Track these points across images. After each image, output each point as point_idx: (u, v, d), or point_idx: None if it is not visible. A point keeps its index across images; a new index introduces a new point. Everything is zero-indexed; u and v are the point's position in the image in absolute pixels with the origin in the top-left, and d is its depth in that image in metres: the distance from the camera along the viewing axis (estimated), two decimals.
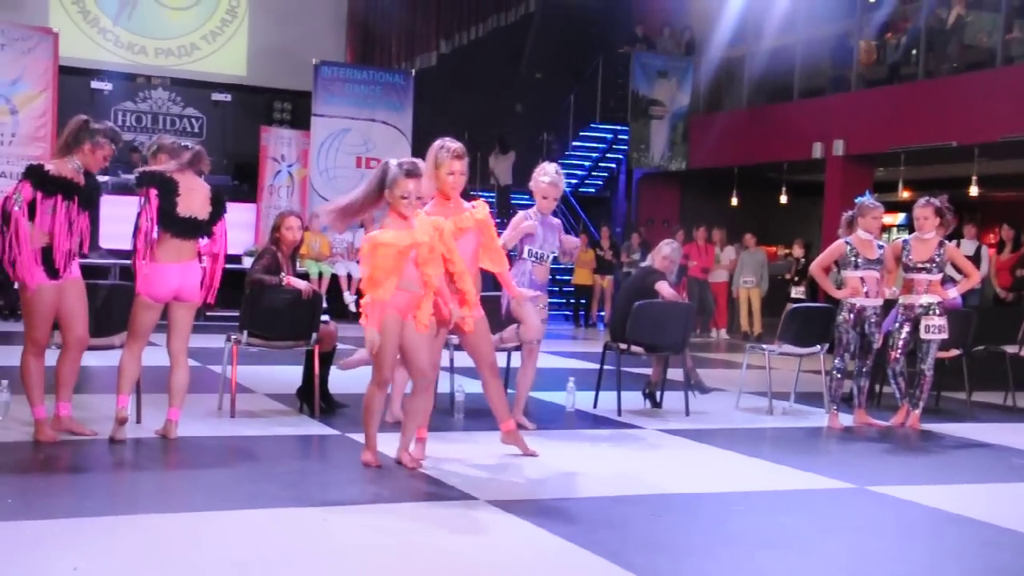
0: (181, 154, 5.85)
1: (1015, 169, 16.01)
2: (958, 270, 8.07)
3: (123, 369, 5.77)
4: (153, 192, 5.70)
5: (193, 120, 17.20)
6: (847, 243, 7.37)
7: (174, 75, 17.21)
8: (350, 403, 7.04)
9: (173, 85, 17.23)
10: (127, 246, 5.91)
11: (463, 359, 7.38)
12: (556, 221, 7.09)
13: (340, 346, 7.36)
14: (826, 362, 7.92)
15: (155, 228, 5.71)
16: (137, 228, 5.69)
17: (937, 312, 7.35)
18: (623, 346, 7.59)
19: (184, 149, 5.90)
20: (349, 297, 14.44)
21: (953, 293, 7.57)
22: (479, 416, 6.80)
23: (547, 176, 6.83)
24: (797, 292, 13.87)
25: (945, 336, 7.42)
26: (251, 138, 16.49)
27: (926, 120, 13.64)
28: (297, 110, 17.48)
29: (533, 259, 6.87)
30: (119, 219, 5.89)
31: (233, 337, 6.87)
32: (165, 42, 17.20)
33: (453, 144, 5.56)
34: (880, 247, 7.43)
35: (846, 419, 7.49)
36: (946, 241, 7.52)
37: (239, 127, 17.09)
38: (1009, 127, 12.63)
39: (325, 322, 7.15)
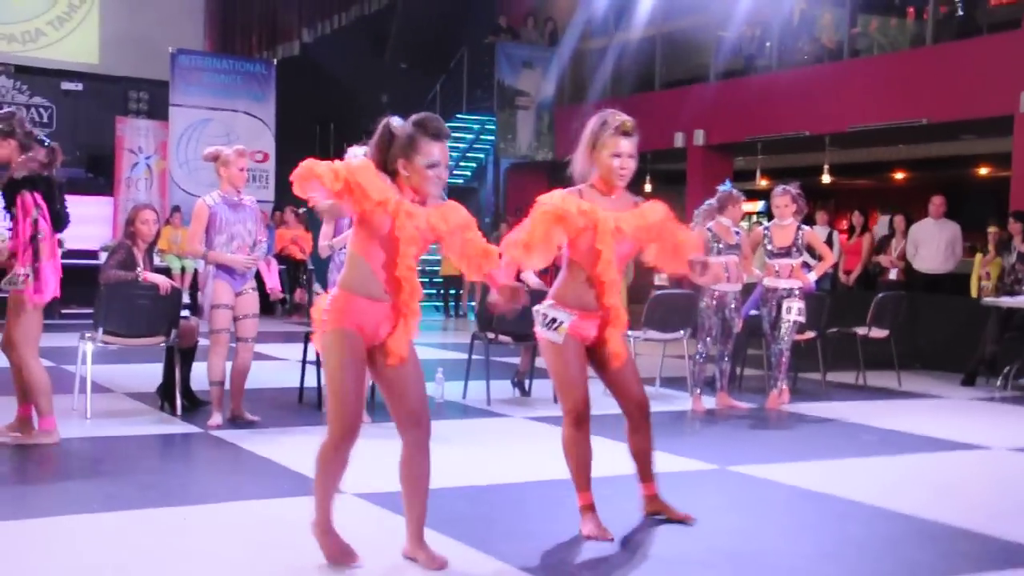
0: (35, 148, 5.53)
1: (864, 158, 16.72)
2: (813, 255, 8.39)
3: (42, 385, 5.51)
4: (39, 196, 5.42)
5: (41, 110, 16.49)
6: (709, 230, 7.56)
7: (18, 62, 16.46)
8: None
9: (17, 73, 16.47)
10: None
11: None
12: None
13: (202, 342, 7.17)
14: (689, 347, 8.12)
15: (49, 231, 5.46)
16: (31, 239, 5.39)
17: (797, 295, 7.63)
18: (491, 335, 7.62)
19: (37, 143, 5.57)
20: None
21: (812, 276, 7.88)
22: None
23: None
24: (660, 279, 14.15)
25: (804, 319, 7.72)
26: (106, 129, 15.92)
27: (780, 111, 14.10)
28: (154, 100, 16.96)
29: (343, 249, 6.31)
30: None
31: (87, 335, 6.61)
32: (7, 27, 16.43)
33: (619, 116, 4.22)
34: (736, 233, 7.65)
35: (709, 402, 7.70)
36: (804, 226, 7.81)
37: (92, 117, 16.47)
38: (857, 117, 13.16)
39: (185, 318, 6.96)
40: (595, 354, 4.35)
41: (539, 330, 4.28)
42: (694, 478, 5.49)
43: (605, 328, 4.28)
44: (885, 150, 16.36)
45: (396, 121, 3.68)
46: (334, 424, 3.63)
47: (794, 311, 7.61)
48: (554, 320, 4.22)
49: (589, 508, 4.31)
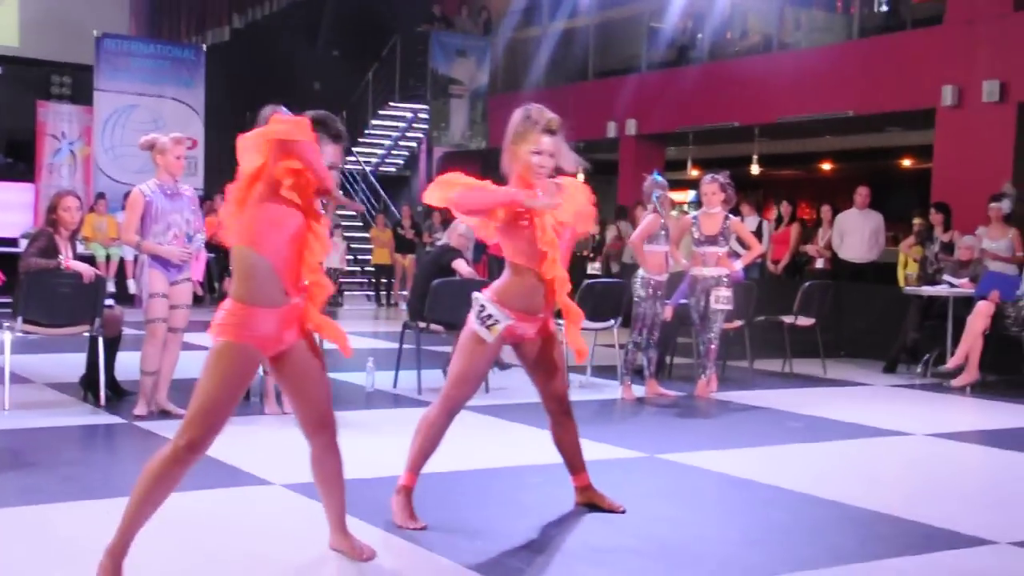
0: None
1: (791, 149, 16.98)
2: (742, 244, 8.50)
3: None
4: None
5: None
6: (661, 219, 7.57)
7: None
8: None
9: None
10: None
11: None
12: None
13: (126, 331, 7.03)
14: (620, 336, 8.17)
15: None
16: None
17: (725, 284, 7.71)
18: (422, 324, 7.59)
19: None
20: (134, 284, 13.85)
21: (738, 265, 7.96)
22: (277, 399, 6.64)
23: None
24: (593, 268, 14.24)
25: (731, 307, 7.80)
26: (26, 114, 15.52)
27: (711, 102, 14.25)
28: (78, 84, 16.57)
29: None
30: None
31: (6, 324, 6.45)
32: None
33: (544, 113, 4.16)
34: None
35: (639, 390, 7.75)
36: (731, 215, 7.89)
37: (12, 102, 16.03)
38: (785, 109, 13.36)
39: (110, 306, 6.81)
40: (525, 348, 4.32)
41: (472, 320, 4.19)
42: (623, 466, 5.53)
43: (546, 328, 4.26)
44: (813, 141, 16.62)
45: (285, 114, 3.42)
46: (190, 431, 3.28)
47: (722, 300, 7.70)
48: (490, 316, 4.12)
49: (410, 490, 4.24)
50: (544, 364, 4.34)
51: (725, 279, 7.71)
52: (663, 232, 7.51)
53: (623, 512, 4.50)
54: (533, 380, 4.45)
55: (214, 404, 3.31)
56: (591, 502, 4.56)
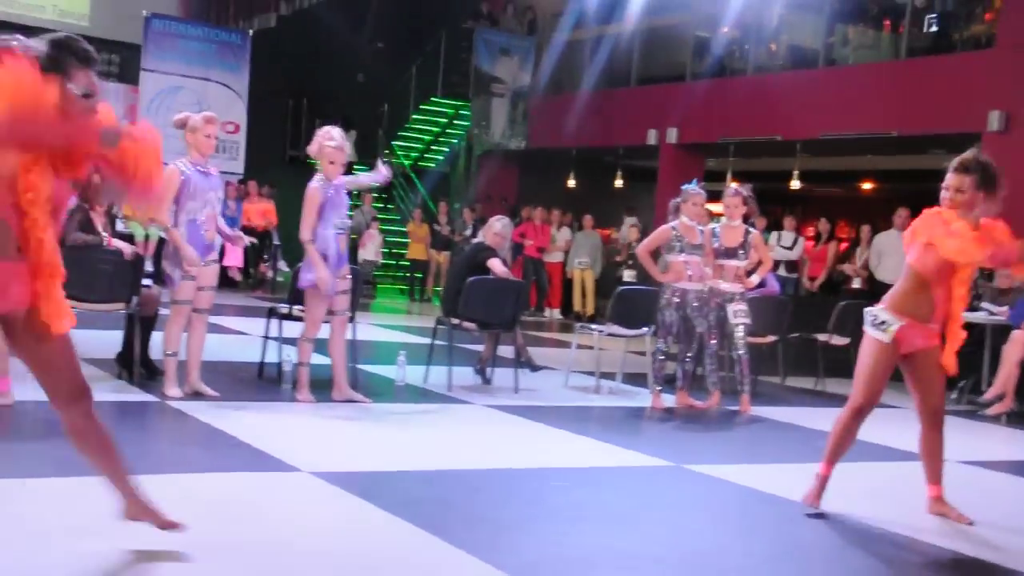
0: None
1: (833, 166, 16.86)
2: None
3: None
4: None
5: None
6: (672, 228, 7.56)
7: None
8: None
9: None
10: None
11: (290, 328, 7.24)
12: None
13: (161, 312, 7.09)
14: (651, 343, 8.14)
15: None
16: None
17: (739, 299, 7.65)
18: (455, 321, 7.61)
19: None
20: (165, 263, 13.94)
21: (755, 279, 7.84)
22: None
23: (333, 140, 6.38)
24: (628, 275, 14.21)
25: (750, 321, 7.71)
26: None
27: (754, 114, 14.17)
28: (125, 63, 16.74)
29: (337, 230, 6.43)
30: None
31: None
32: None
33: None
34: (701, 232, 7.66)
35: (669, 400, 7.72)
36: (751, 228, 7.82)
37: None
38: (829, 126, 13.26)
39: (147, 286, 6.88)
40: (912, 359, 4.73)
41: (867, 328, 4.76)
42: (649, 474, 5.52)
43: (934, 340, 4.70)
44: (854, 160, 16.49)
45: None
46: None
47: (740, 314, 7.61)
48: (884, 322, 4.68)
49: (825, 478, 4.87)
50: (925, 376, 4.76)
51: (739, 295, 7.64)
52: (679, 242, 7.46)
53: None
54: (912, 390, 4.85)
55: None
56: (941, 513, 4.90)
